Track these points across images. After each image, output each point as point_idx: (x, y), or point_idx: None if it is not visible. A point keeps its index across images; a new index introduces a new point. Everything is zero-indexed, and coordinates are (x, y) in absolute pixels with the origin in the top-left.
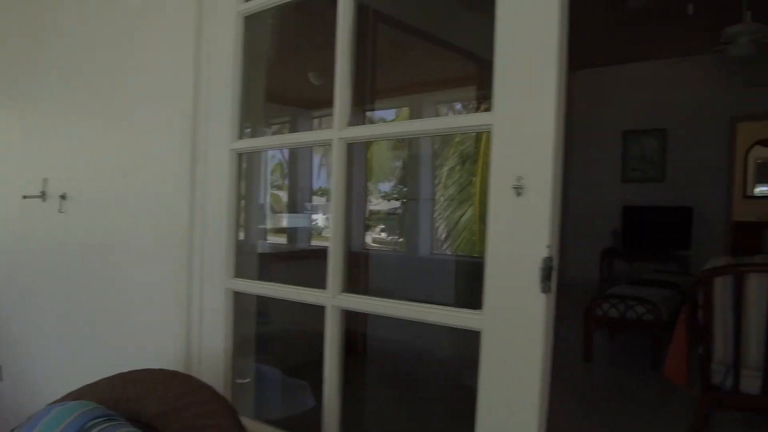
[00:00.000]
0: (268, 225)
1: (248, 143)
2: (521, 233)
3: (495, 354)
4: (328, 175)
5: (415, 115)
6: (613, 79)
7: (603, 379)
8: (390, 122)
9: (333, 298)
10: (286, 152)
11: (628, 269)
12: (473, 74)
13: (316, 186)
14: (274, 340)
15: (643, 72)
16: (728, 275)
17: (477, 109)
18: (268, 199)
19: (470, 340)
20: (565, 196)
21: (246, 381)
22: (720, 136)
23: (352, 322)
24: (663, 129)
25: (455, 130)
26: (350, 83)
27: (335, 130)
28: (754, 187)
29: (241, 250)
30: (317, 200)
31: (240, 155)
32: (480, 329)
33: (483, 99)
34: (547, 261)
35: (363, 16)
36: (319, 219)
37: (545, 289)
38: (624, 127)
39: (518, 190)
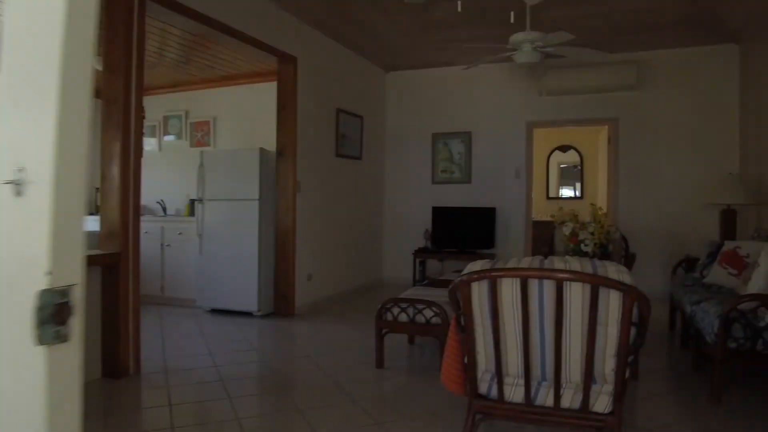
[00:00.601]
0: None
1: None
2: (19, 252)
3: None
4: None
5: None
6: (425, 82)
7: (391, 387)
8: None
9: None
10: None
11: (440, 268)
12: None
13: None
14: None
15: (452, 76)
16: (483, 280)
17: None
18: None
19: None
20: (380, 198)
21: None
22: (520, 141)
23: None
24: (469, 132)
25: None
26: None
27: None
28: (558, 189)
29: None
30: None
31: None
32: None
33: None
34: (49, 296)
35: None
36: None
37: (47, 339)
38: (434, 129)
39: (18, 188)
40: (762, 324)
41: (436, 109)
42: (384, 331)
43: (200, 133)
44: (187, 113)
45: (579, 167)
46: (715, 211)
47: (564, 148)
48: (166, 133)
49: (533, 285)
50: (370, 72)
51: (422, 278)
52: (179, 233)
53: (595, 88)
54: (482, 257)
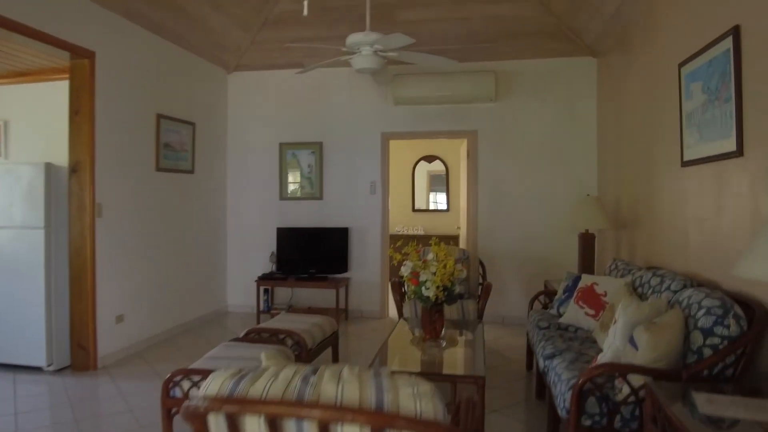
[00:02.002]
0: None
1: None
2: None
3: None
4: None
5: None
6: (272, 86)
7: None
8: None
9: None
10: None
11: (290, 296)
12: None
13: None
14: None
15: (302, 80)
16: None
17: None
18: None
19: None
20: (221, 216)
21: None
22: (375, 153)
23: None
24: (320, 143)
25: None
26: None
27: None
28: (428, 198)
29: None
30: None
31: None
32: None
33: None
34: None
35: None
36: None
37: None
38: (282, 139)
39: None
40: (619, 398)
41: (284, 116)
42: (173, 410)
43: None
44: None
45: (445, 178)
46: (575, 235)
47: (429, 159)
48: None
49: (289, 426)
50: (207, 72)
51: (267, 307)
52: None
53: (451, 99)
54: (335, 282)
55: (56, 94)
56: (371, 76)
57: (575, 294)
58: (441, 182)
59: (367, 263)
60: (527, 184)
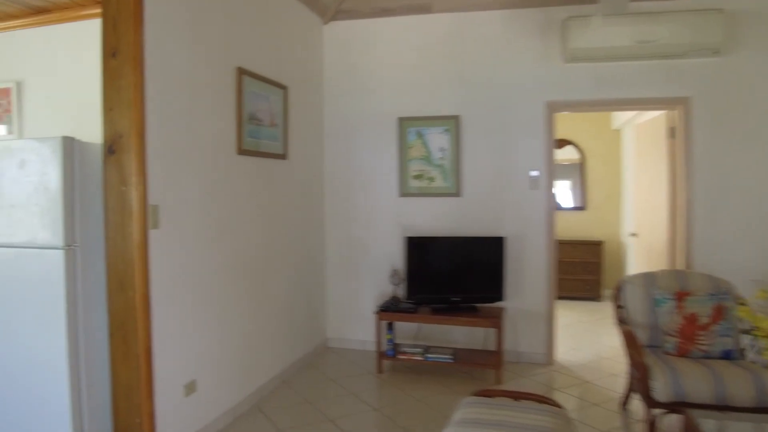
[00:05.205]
0: None
1: None
2: None
3: None
4: None
5: None
6: (386, 40)
7: None
8: None
9: None
10: None
11: (414, 331)
12: None
13: None
14: None
15: (431, 28)
16: None
17: None
18: None
19: None
20: (319, 219)
21: None
22: (535, 130)
23: None
24: (456, 117)
25: None
26: None
27: None
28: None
29: None
30: None
31: None
32: None
33: None
34: None
35: None
36: None
37: None
38: (402, 112)
39: None
40: None
41: (404, 81)
42: None
43: None
44: None
45: (579, 168)
46: None
47: (559, 143)
48: None
49: None
50: (298, 19)
51: (392, 350)
52: None
53: (653, 51)
54: (490, 316)
55: (90, 37)
56: (544, 20)
57: None
58: (572, 173)
59: (525, 286)
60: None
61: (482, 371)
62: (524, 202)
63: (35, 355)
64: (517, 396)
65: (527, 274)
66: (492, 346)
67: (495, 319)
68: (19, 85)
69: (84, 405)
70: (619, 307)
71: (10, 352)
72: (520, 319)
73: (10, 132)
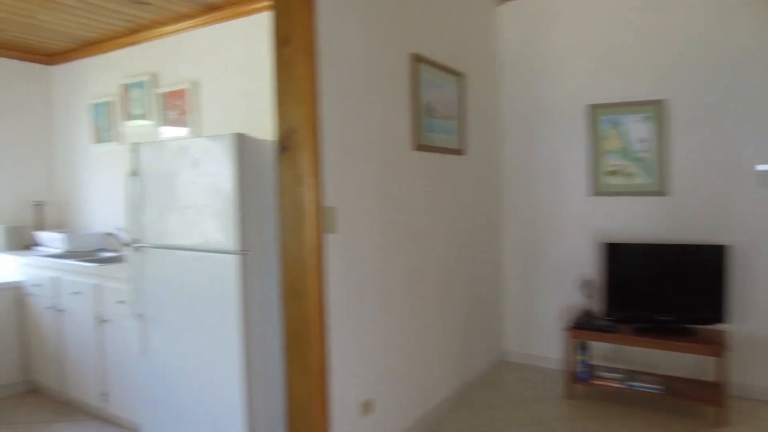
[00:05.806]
0: None
1: None
2: None
3: None
4: None
5: None
6: (571, 16)
7: None
8: None
9: None
10: None
11: (609, 351)
12: None
13: None
14: None
15: (619, 3)
16: None
17: None
18: None
19: None
20: (497, 220)
21: None
22: (764, 112)
23: None
24: (660, 101)
25: None
26: None
27: None
28: None
29: None
30: None
31: None
32: None
33: None
34: None
35: None
36: None
37: None
38: (591, 98)
39: None
40: None
41: (593, 62)
42: None
43: (175, 111)
44: (154, 77)
45: None
46: None
47: None
48: (129, 111)
49: None
50: (472, 0)
51: (586, 374)
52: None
53: None
54: (710, 341)
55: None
56: None
57: None
58: None
59: (756, 306)
60: None
61: (698, 407)
62: (752, 204)
63: (209, 360)
64: None
65: (759, 291)
66: (706, 376)
67: (717, 346)
68: (195, 85)
69: (259, 413)
70: None
71: (185, 354)
72: (747, 346)
73: (191, 134)
